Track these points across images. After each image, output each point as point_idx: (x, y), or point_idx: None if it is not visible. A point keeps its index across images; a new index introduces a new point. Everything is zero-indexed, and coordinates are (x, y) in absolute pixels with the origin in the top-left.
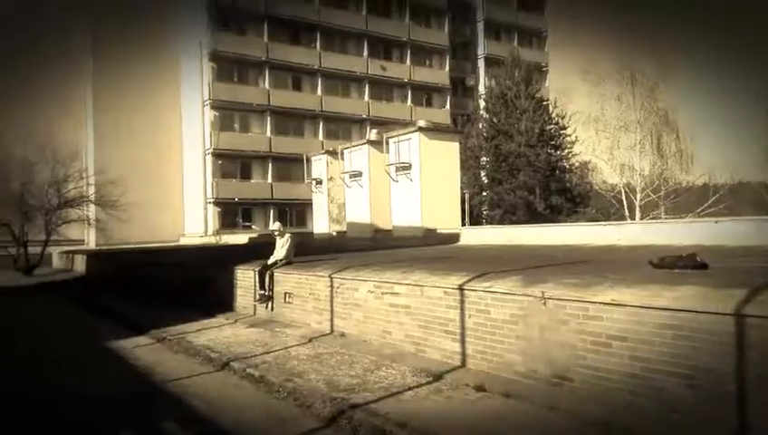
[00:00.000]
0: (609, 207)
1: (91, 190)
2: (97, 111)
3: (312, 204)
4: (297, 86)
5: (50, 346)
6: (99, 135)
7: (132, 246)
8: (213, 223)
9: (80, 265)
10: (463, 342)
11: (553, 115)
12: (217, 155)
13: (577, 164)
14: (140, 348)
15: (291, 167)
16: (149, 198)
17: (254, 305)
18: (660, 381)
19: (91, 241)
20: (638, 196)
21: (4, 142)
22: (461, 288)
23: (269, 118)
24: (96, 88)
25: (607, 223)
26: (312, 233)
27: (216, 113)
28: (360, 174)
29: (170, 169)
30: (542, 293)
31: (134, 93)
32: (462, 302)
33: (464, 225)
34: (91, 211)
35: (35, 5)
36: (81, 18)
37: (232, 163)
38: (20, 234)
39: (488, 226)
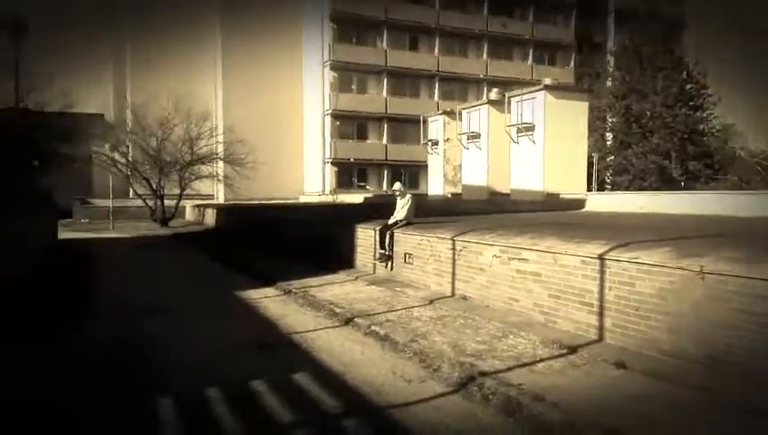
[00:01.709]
0: (752, 175)
1: (221, 148)
2: (226, 74)
3: (426, 165)
4: (414, 46)
5: (188, 293)
6: (227, 97)
7: (257, 202)
8: (330, 182)
9: (210, 218)
10: (601, 315)
11: (694, 73)
12: (335, 116)
13: (719, 127)
14: (269, 299)
15: (406, 128)
16: (273, 158)
17: (374, 264)
18: None
19: (220, 196)
20: None
21: (144, 101)
22: (601, 258)
23: (386, 79)
24: (225, 52)
25: (760, 192)
26: (426, 194)
27: (336, 74)
28: (478, 135)
29: (292, 129)
30: (701, 267)
31: (259, 56)
32: (602, 272)
33: (590, 190)
34: (220, 168)
35: None
36: None
37: (349, 124)
38: (157, 187)
39: (617, 192)
